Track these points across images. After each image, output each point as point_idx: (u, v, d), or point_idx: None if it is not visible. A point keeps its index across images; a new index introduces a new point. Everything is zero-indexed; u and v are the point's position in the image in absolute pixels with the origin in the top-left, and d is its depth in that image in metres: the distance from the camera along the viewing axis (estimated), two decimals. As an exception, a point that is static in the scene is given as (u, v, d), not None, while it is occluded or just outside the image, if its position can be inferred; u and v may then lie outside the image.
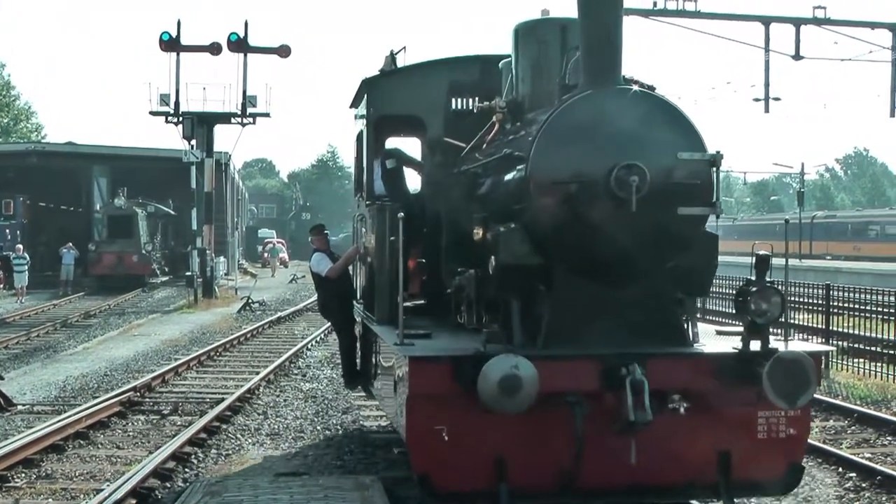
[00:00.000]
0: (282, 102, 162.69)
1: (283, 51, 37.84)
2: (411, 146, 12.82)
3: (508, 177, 9.00)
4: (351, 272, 13.33)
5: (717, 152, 8.47)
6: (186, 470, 11.85)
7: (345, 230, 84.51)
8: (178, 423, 14.61)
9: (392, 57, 12.21)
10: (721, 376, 8.37)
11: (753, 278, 8.55)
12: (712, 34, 29.85)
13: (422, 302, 11.06)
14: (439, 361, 8.15)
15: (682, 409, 8.17)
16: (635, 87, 8.77)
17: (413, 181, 12.62)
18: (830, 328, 20.55)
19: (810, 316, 22.18)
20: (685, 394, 8.23)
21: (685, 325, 8.82)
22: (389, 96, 11.85)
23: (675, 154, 8.39)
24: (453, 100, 11.72)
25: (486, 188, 9.79)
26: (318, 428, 14.38)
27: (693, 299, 9.10)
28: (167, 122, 39.28)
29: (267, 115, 40.97)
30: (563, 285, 8.52)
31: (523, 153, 8.59)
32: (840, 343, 20.07)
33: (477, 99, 10.78)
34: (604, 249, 8.38)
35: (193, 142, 39.38)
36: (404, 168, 12.38)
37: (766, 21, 30.09)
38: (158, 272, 51.17)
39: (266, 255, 69.47)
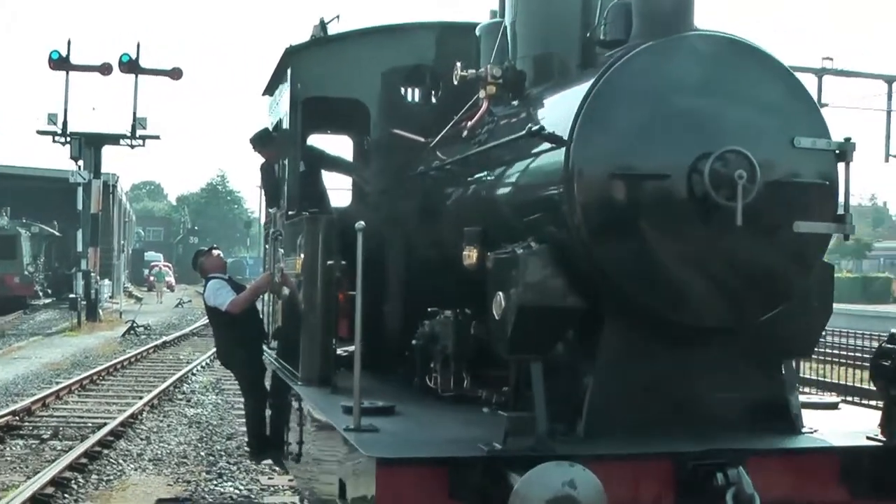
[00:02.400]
0: (172, 125, 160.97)
1: (175, 73, 37.47)
2: (332, 146, 10.53)
3: (529, 170, 6.13)
4: (260, 308, 10.44)
5: (848, 139, 5.68)
6: (66, 496, 11.68)
7: (232, 255, 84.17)
8: (59, 447, 14.38)
9: (322, 26, 9.52)
10: (852, 480, 5.52)
11: None
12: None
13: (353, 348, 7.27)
14: (427, 465, 5.08)
15: None
16: (724, 33, 5.85)
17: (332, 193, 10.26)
18: None
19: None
20: None
21: (791, 403, 5.99)
22: (321, 72, 8.90)
23: (789, 139, 5.57)
24: (405, 80, 9.16)
25: (480, 191, 6.98)
26: (202, 454, 14.31)
27: (791, 362, 6.26)
28: (54, 141, 38.51)
29: (157, 137, 40.50)
30: (615, 340, 5.68)
31: (558, 132, 5.61)
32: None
33: (459, 66, 7.13)
34: (684, 286, 5.58)
35: (81, 162, 38.91)
36: (322, 173, 9.95)
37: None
38: (41, 294, 50.33)
39: (152, 278, 68.60)
